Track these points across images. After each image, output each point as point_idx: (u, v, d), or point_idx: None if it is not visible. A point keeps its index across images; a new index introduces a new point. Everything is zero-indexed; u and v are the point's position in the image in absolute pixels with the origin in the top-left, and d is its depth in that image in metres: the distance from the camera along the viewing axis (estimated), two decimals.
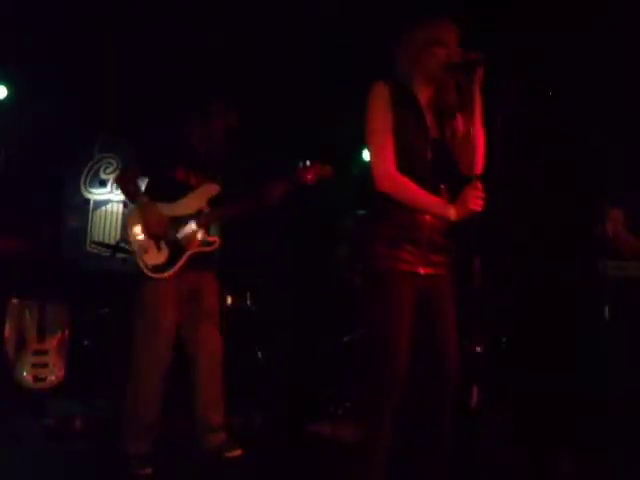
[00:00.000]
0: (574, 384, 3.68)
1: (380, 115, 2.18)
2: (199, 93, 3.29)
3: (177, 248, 2.97)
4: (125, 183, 3.05)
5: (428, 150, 2.24)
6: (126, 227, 3.04)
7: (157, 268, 2.93)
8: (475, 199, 2.14)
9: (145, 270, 2.93)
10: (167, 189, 3.00)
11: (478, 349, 2.60)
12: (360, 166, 5.01)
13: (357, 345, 2.36)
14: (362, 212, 4.71)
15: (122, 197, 5.92)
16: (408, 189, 2.18)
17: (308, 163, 2.96)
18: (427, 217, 2.22)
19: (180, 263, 2.95)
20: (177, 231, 2.99)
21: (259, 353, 4.62)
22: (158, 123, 4.34)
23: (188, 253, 2.97)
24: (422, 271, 2.23)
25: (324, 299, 5.29)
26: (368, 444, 2.20)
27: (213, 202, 3.06)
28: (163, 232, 2.96)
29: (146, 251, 2.94)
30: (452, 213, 2.18)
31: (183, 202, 3.02)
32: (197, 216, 3.01)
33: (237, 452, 2.97)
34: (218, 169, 3.14)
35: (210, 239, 3.03)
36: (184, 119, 3.13)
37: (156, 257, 2.94)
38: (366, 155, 5.17)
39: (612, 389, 3.30)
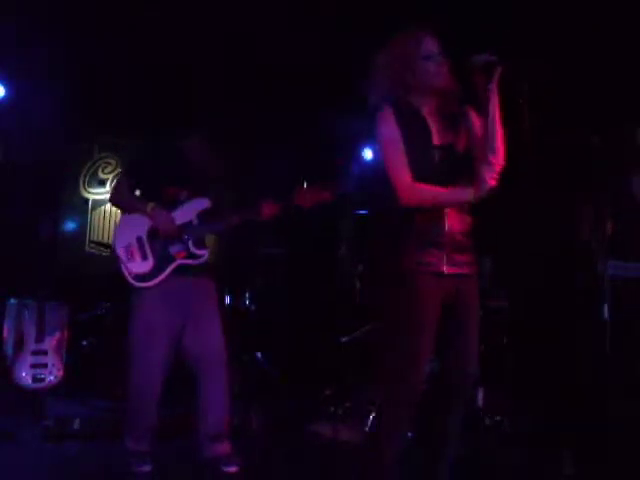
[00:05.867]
0: (574, 384, 3.68)
1: (389, 136, 2.28)
2: (194, 108, 3.30)
3: (164, 259, 2.98)
4: (123, 197, 3.08)
5: (434, 156, 2.30)
6: (114, 235, 3.05)
7: (140, 277, 2.95)
8: (490, 175, 2.22)
9: (129, 278, 2.95)
10: (157, 202, 3.01)
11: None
12: (361, 166, 5.01)
13: (378, 346, 2.41)
14: (362, 212, 4.73)
15: None
16: (427, 193, 2.27)
17: (306, 186, 2.96)
18: (447, 219, 2.28)
19: (164, 274, 2.96)
20: (165, 242, 3.00)
21: (258, 353, 4.62)
22: (151, 133, 4.35)
23: (174, 264, 2.98)
24: (445, 270, 2.27)
25: (324, 299, 5.29)
26: (388, 443, 2.26)
27: (203, 216, 3.07)
28: (176, 233, 2.99)
29: (131, 259, 2.96)
30: (471, 194, 2.25)
31: (173, 215, 3.03)
32: (186, 229, 3.02)
33: (232, 469, 2.93)
34: (211, 184, 3.15)
35: (198, 252, 3.03)
36: (179, 134, 3.13)
37: (140, 266, 2.96)
38: (367, 155, 5.19)
39: (612, 389, 3.30)
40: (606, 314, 3.33)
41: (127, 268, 2.95)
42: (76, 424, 3.65)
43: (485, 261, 3.95)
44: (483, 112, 2.25)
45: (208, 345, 2.98)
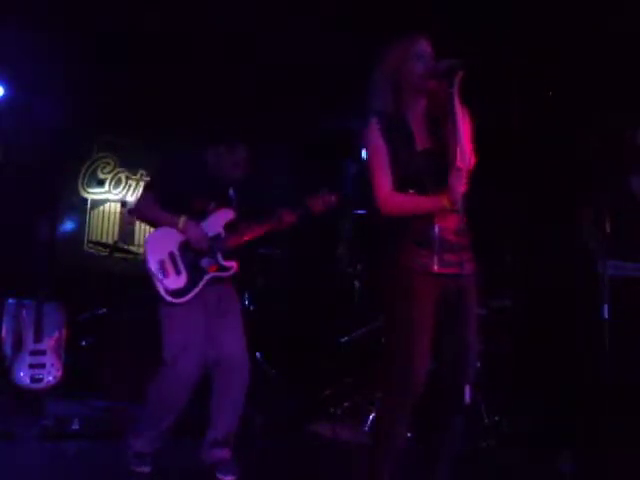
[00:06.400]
0: (574, 384, 3.68)
1: (374, 147, 2.33)
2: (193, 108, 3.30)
3: (196, 272, 2.97)
4: (150, 212, 3.05)
5: (417, 162, 2.33)
6: (145, 253, 2.98)
7: (177, 292, 2.92)
8: (458, 181, 2.24)
9: (165, 295, 2.91)
10: (185, 215, 3.00)
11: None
12: (359, 165, 5.01)
13: (382, 346, 2.44)
14: (361, 212, 4.73)
15: (119, 196, 5.93)
16: (404, 202, 2.34)
17: (316, 193, 3.04)
18: (436, 220, 2.29)
19: (198, 288, 2.95)
20: (196, 255, 2.99)
21: (258, 354, 4.61)
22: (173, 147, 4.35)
23: (207, 277, 2.97)
24: (437, 269, 2.27)
25: (323, 299, 5.29)
26: (387, 442, 2.26)
27: (229, 227, 3.08)
28: (207, 247, 2.98)
29: (166, 275, 2.93)
30: (445, 201, 2.27)
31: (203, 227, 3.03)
32: (216, 240, 3.02)
33: (228, 478, 2.89)
34: (234, 195, 3.18)
35: (227, 264, 3.03)
36: (204, 148, 3.14)
37: (175, 281, 2.93)
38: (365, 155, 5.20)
39: (612, 389, 3.30)
40: (606, 314, 3.34)
41: (163, 285, 2.91)
42: (75, 424, 3.64)
43: None
44: (450, 117, 2.26)
45: (230, 351, 2.96)
